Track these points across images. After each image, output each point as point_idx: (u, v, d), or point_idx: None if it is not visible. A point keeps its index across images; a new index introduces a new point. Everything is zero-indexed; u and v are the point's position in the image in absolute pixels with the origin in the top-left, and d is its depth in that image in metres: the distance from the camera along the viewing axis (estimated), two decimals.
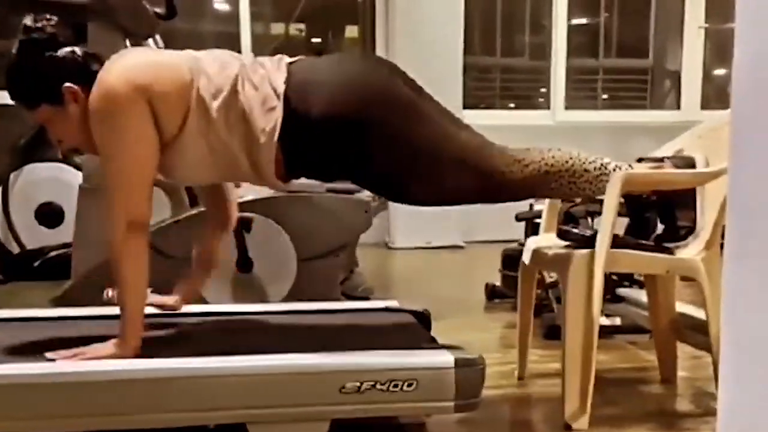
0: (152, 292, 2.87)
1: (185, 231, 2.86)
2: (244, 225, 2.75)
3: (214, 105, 1.69)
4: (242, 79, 1.72)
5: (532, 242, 2.31)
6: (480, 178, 1.76)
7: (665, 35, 7.01)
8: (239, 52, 2.25)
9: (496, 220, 5.50)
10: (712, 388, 2.35)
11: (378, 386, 1.62)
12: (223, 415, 1.59)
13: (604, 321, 3.03)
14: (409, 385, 1.63)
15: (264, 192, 2.99)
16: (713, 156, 2.07)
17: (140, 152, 1.69)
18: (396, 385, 1.63)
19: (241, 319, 2.16)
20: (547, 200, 2.43)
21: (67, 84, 1.73)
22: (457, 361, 1.65)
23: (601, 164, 1.86)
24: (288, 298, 2.92)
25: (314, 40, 6.43)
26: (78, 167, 4.51)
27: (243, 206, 2.93)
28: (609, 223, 1.87)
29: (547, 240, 2.32)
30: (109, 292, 2.84)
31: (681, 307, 2.38)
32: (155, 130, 1.69)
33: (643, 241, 2.05)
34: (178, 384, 1.56)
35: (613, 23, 6.78)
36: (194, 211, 2.89)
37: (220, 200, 2.04)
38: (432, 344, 1.86)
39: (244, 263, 2.90)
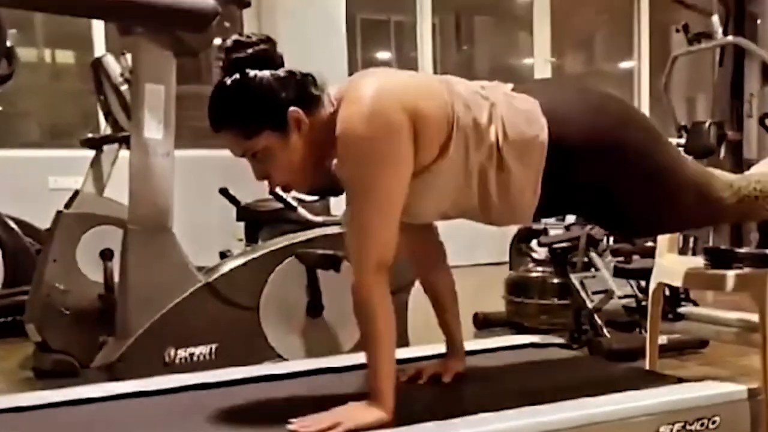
0: (219, 346, 2.55)
1: (255, 275, 2.54)
2: (332, 264, 2.48)
3: (475, 133, 1.51)
4: (498, 105, 1.55)
5: (668, 264, 2.29)
6: (702, 204, 1.70)
7: None
8: None
9: None
10: None
11: (687, 426, 1.49)
12: None
13: None
14: (713, 423, 1.52)
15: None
16: None
17: (402, 184, 1.47)
18: (702, 424, 1.51)
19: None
20: None
21: (293, 108, 1.47)
22: (750, 391, 1.56)
23: None
24: (358, 346, 2.67)
25: None
26: None
27: (308, 244, 2.66)
28: None
29: (676, 261, 2.31)
30: (171, 352, 2.47)
31: None
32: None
33: None
34: None
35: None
36: (262, 252, 2.58)
37: (430, 235, 1.80)
38: (667, 376, 1.76)
39: (315, 307, 2.63)
